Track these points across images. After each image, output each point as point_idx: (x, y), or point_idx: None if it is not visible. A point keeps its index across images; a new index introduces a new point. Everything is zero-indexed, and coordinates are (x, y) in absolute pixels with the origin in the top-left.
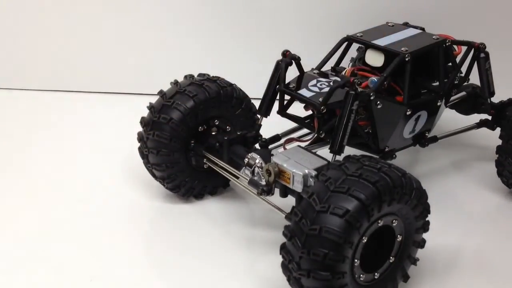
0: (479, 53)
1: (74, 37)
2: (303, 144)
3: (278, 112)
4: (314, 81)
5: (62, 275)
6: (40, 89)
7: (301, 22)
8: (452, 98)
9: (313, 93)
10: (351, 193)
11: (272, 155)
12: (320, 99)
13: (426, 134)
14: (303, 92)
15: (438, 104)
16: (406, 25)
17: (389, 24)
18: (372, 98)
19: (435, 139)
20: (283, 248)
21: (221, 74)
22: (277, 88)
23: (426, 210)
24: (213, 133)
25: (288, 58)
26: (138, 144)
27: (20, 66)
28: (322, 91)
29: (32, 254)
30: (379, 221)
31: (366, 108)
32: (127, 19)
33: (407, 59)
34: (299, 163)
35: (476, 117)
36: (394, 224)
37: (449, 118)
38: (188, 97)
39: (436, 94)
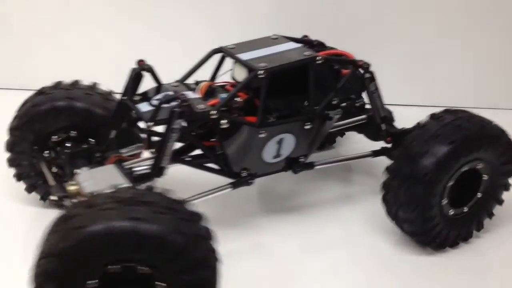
0: (363, 74)
1: None
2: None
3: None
4: (161, 95)
5: None
6: None
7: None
8: (346, 121)
9: (153, 108)
10: None
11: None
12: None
13: (301, 160)
14: (142, 106)
15: (306, 127)
16: (304, 37)
17: (272, 37)
18: (214, 117)
19: (310, 165)
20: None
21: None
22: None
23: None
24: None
25: (139, 68)
26: None
27: None
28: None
29: None
30: None
31: (213, 127)
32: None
33: (260, 76)
34: (98, 184)
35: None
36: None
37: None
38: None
39: (303, 116)
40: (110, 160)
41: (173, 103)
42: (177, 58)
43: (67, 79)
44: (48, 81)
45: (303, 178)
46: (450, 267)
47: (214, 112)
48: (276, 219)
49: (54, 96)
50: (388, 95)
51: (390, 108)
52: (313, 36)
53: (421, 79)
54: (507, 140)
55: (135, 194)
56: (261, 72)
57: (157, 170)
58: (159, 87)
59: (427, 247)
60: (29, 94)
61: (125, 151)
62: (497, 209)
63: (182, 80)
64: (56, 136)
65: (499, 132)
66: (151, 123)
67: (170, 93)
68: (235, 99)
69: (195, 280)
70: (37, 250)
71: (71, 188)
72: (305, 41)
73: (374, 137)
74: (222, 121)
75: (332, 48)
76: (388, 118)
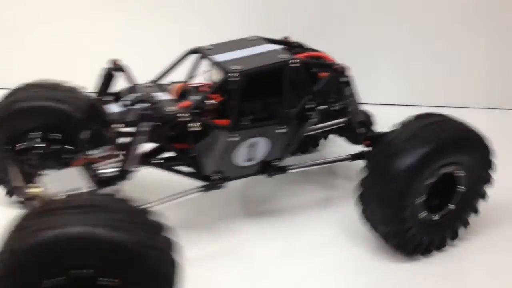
0: (339, 78)
1: None
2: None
3: None
4: (132, 96)
5: None
6: None
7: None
8: (324, 124)
9: (123, 109)
10: None
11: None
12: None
13: (274, 163)
14: (113, 106)
15: (280, 131)
16: (284, 38)
17: (250, 38)
18: (184, 119)
19: (282, 169)
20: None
21: None
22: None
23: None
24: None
25: (111, 68)
26: None
27: None
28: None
29: None
30: None
31: (184, 130)
32: None
33: (234, 79)
34: (61, 187)
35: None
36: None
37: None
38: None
39: (277, 119)
40: (77, 162)
41: (142, 105)
42: (155, 58)
43: (36, 78)
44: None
45: (282, 181)
46: (423, 275)
47: (184, 114)
48: (252, 223)
49: (30, 95)
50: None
51: (395, 108)
52: (298, 37)
53: (420, 78)
54: (486, 147)
55: (93, 201)
56: (234, 75)
57: (123, 173)
58: (133, 88)
59: (400, 253)
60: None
61: (96, 153)
62: (473, 219)
63: (156, 81)
64: (30, 137)
65: (477, 138)
66: (119, 125)
67: (140, 94)
68: (209, 101)
69: None
70: None
71: (31, 190)
72: (285, 43)
73: (354, 140)
74: (193, 124)
75: (311, 50)
76: (366, 121)
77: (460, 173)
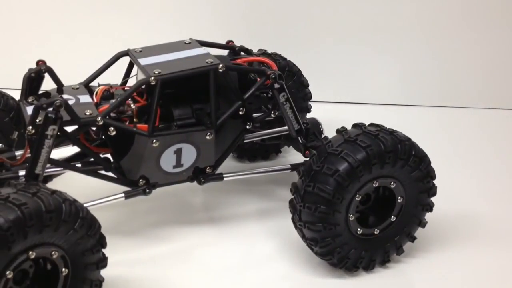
0: (272, 84)
1: None
2: None
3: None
4: (53, 98)
5: None
6: None
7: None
8: (264, 132)
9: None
10: None
11: None
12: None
13: (208, 170)
14: (29, 108)
15: (207, 137)
16: (229, 43)
17: (185, 41)
18: (99, 123)
19: (218, 177)
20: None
21: None
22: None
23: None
24: None
25: (35, 69)
26: None
27: None
28: None
29: None
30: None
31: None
32: None
33: (153, 83)
34: None
35: None
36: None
37: None
38: None
39: (201, 125)
40: None
41: (54, 107)
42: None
43: None
44: None
45: (223, 189)
46: None
47: (99, 118)
48: (187, 231)
49: None
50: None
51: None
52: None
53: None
54: (421, 157)
55: None
56: (151, 79)
57: (31, 177)
58: (59, 89)
59: (339, 268)
60: None
61: (17, 154)
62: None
63: (86, 83)
64: None
65: (410, 148)
66: (29, 127)
67: (59, 96)
68: (130, 105)
69: None
70: None
71: None
72: (228, 47)
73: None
74: (109, 128)
75: (256, 55)
76: (306, 130)
77: (395, 185)
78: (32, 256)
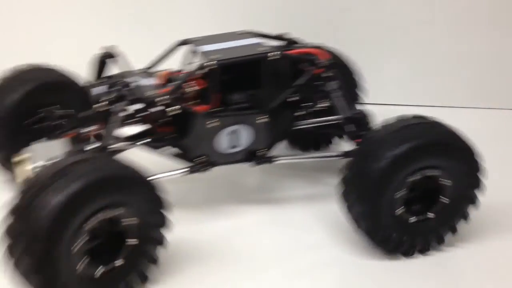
0: (322, 73)
1: None
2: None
3: None
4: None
5: None
6: None
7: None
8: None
9: (107, 91)
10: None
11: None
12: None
13: (260, 153)
14: (98, 89)
15: (261, 121)
16: (281, 35)
17: (238, 32)
18: (162, 103)
19: (270, 159)
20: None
21: None
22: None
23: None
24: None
25: (103, 54)
26: None
27: None
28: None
29: None
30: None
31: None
32: None
33: (213, 67)
34: (42, 156)
35: None
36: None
37: None
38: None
39: (256, 109)
40: (66, 136)
41: (124, 87)
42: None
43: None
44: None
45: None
46: (402, 275)
47: (162, 98)
48: (238, 211)
49: (37, 75)
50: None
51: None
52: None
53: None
54: (471, 151)
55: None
56: (212, 63)
57: (103, 148)
58: (124, 73)
59: (381, 250)
60: None
61: (86, 131)
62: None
63: (147, 68)
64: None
65: (461, 142)
66: (99, 105)
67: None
68: (188, 87)
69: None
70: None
71: (15, 159)
72: (282, 38)
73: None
74: (171, 108)
75: (313, 47)
76: (360, 120)
77: (445, 181)
78: (105, 217)
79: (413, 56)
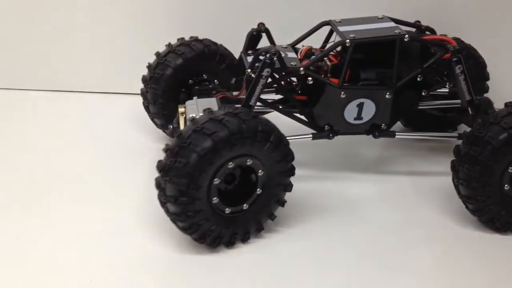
0: (451, 57)
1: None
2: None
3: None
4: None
5: (62, 275)
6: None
7: None
8: (437, 102)
9: (256, 60)
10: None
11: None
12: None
13: (383, 127)
14: (250, 58)
15: (387, 96)
16: (416, 22)
17: (378, 16)
18: (301, 72)
19: (391, 134)
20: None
21: None
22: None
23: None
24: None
25: (256, 29)
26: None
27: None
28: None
29: (33, 255)
30: (229, 164)
31: (302, 83)
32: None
33: (348, 44)
34: (198, 109)
35: None
36: (249, 163)
37: None
38: (177, 55)
39: (385, 86)
40: (217, 95)
41: (269, 57)
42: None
43: None
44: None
45: (390, 148)
46: None
47: (301, 69)
48: (356, 180)
49: (191, 48)
50: None
51: None
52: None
53: None
54: None
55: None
56: (347, 41)
57: (246, 106)
58: (271, 47)
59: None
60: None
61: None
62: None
63: (293, 44)
64: (191, 80)
65: None
66: (249, 70)
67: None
68: (326, 63)
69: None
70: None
71: (180, 109)
72: (415, 26)
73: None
74: (308, 78)
75: (443, 35)
76: (478, 103)
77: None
78: (231, 166)
79: None
